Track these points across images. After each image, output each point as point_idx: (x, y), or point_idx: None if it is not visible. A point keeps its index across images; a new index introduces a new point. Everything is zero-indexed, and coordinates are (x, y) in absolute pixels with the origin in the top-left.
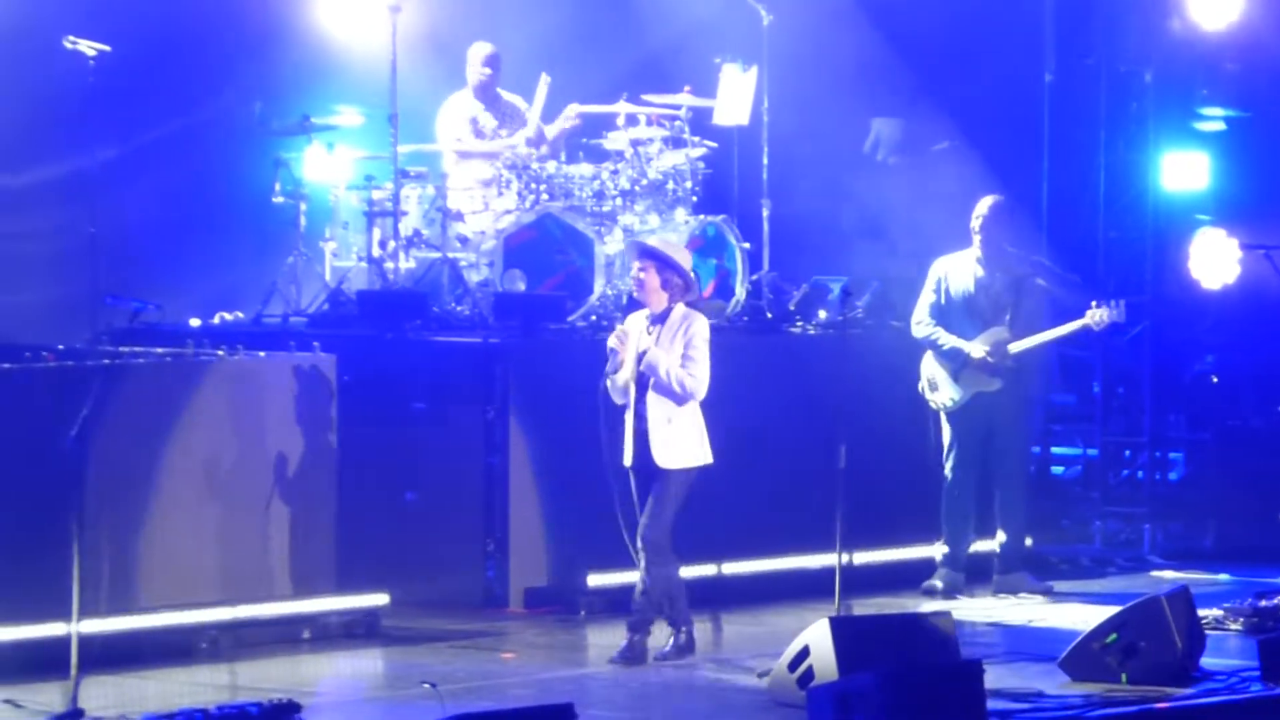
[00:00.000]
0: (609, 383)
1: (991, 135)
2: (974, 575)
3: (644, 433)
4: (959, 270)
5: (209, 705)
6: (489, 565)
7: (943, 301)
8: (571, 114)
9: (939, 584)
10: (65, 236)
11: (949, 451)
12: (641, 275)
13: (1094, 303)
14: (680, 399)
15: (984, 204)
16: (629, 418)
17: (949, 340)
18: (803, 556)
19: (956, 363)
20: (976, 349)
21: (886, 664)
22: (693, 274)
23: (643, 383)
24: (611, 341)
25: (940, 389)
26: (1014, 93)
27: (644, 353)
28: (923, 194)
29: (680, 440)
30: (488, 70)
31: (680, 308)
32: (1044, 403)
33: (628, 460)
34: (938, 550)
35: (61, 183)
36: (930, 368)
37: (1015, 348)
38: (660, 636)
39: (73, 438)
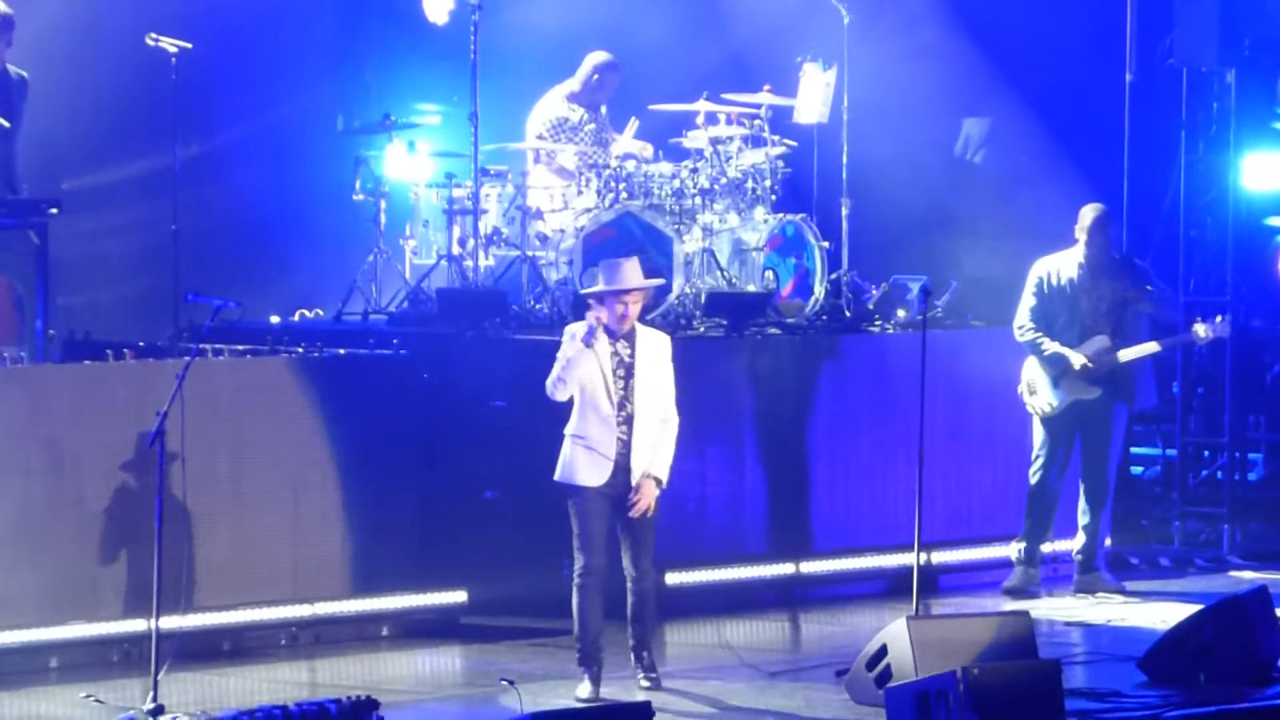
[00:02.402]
0: (559, 379)
1: (1073, 135)
2: (1048, 576)
3: (627, 455)
4: (1062, 273)
5: (288, 702)
6: (567, 563)
7: (1044, 305)
8: (634, 128)
9: (1017, 583)
10: (147, 234)
11: (1039, 454)
12: (634, 306)
13: (1199, 319)
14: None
15: (1090, 211)
16: (605, 437)
17: (1051, 346)
18: (881, 555)
19: (1058, 369)
20: (1078, 358)
21: (965, 664)
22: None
23: (626, 405)
24: (574, 345)
25: (1039, 394)
26: (1096, 93)
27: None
28: (1005, 194)
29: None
30: (603, 79)
31: (640, 327)
32: (1137, 412)
33: (596, 480)
34: (1013, 550)
35: (143, 180)
36: (1031, 372)
37: (1125, 356)
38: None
39: (154, 435)
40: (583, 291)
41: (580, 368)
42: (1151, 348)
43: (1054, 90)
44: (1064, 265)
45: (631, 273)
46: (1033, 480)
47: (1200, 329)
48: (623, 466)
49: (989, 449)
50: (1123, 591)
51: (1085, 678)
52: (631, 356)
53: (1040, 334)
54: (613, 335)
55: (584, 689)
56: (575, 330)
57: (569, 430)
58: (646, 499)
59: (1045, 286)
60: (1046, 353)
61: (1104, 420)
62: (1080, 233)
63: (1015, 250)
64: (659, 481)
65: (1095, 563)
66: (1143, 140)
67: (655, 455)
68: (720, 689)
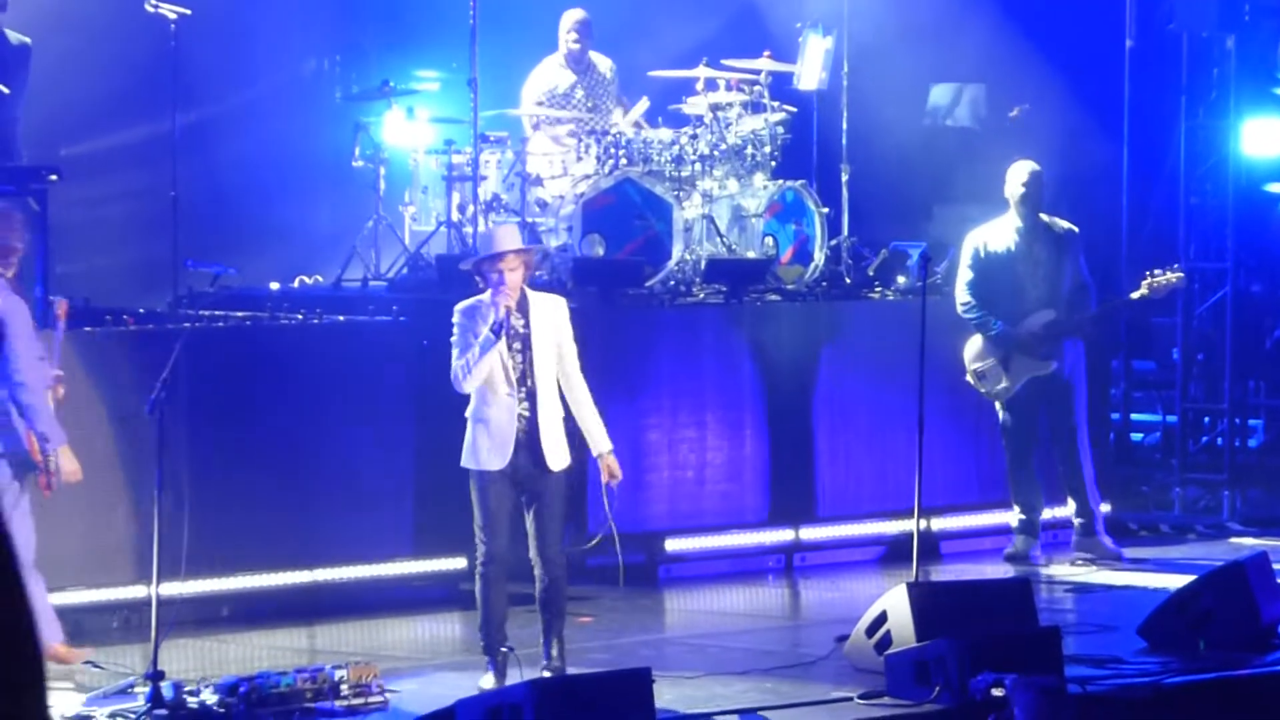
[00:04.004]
0: (467, 364)
1: (1072, 101)
2: (1048, 542)
3: (532, 433)
4: (997, 242)
5: (288, 669)
6: (567, 529)
7: (983, 277)
8: (643, 108)
9: (1018, 550)
10: (146, 200)
11: (1008, 435)
12: (513, 274)
13: (1148, 272)
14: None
15: (1023, 170)
16: (505, 417)
17: (996, 327)
18: (881, 522)
19: (1006, 349)
20: (1031, 333)
21: (964, 630)
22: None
23: (526, 379)
24: (478, 331)
25: (989, 379)
26: (1095, 59)
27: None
28: (1003, 160)
29: (564, 439)
30: (576, 36)
31: (532, 293)
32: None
33: (498, 463)
34: (1013, 517)
35: (142, 146)
36: (977, 358)
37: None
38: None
39: (153, 401)
40: (462, 266)
41: (490, 359)
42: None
43: (1054, 56)
44: (998, 233)
45: (506, 237)
46: (1010, 461)
47: (1155, 279)
48: (525, 446)
49: (989, 415)
50: (1120, 559)
51: (1085, 645)
52: (526, 327)
53: (985, 312)
54: (494, 302)
55: (487, 680)
56: (466, 310)
57: (468, 412)
58: (616, 471)
59: (981, 256)
60: (992, 332)
61: (1065, 390)
62: (1016, 188)
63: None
64: (612, 452)
65: (1095, 528)
66: (1143, 106)
67: (597, 431)
68: (719, 656)
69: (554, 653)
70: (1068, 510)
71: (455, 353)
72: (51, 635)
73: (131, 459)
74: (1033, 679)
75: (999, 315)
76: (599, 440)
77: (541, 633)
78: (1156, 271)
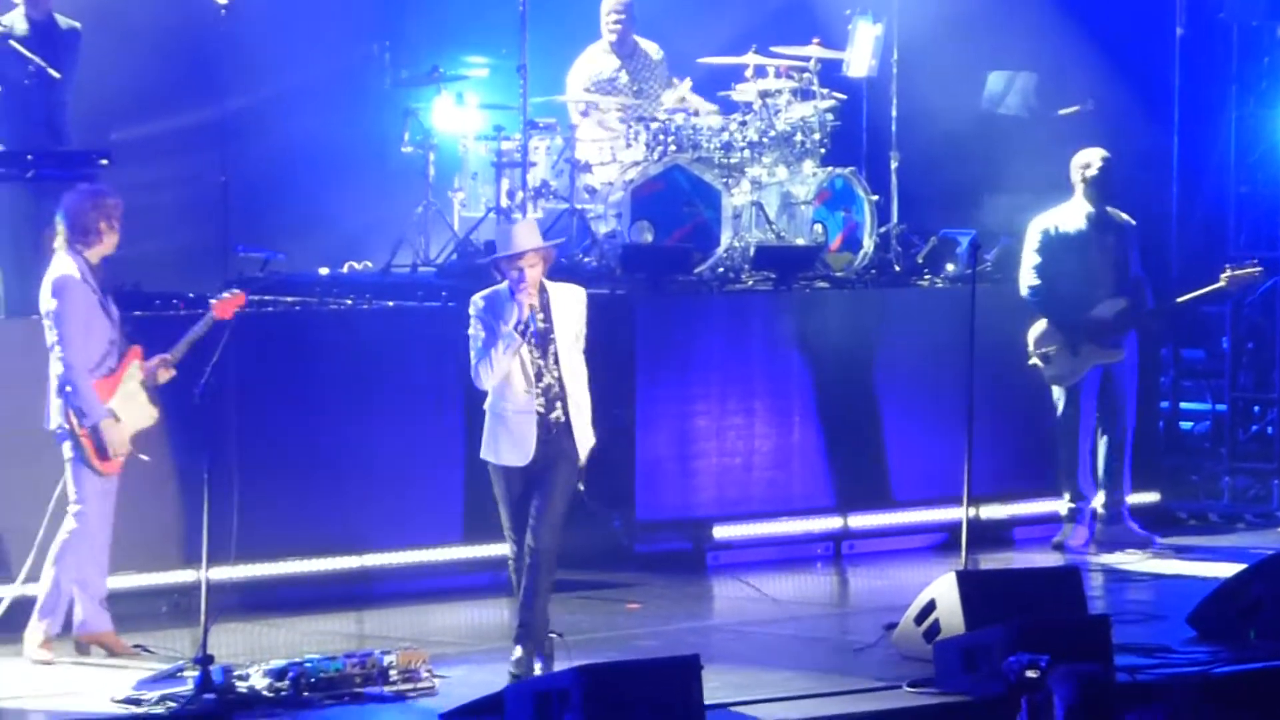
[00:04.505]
0: (490, 362)
1: (1122, 90)
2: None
3: (553, 428)
4: (1066, 226)
5: (337, 654)
6: (616, 516)
7: (1051, 261)
8: (685, 90)
9: (1065, 538)
10: (196, 185)
11: (1066, 420)
12: (532, 270)
13: (1228, 266)
14: None
15: (1094, 155)
16: (524, 413)
17: (1065, 312)
18: (929, 510)
19: (1075, 334)
20: (1102, 320)
21: (1013, 618)
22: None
23: (544, 375)
24: (502, 331)
25: (1056, 362)
26: (1145, 47)
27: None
28: (1052, 149)
29: (588, 429)
30: (617, 19)
31: (551, 284)
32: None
33: (519, 460)
34: (1062, 505)
35: (193, 131)
36: (1043, 341)
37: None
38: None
39: (202, 386)
40: (480, 261)
41: (509, 355)
42: (1186, 299)
43: (1104, 44)
44: (1067, 218)
45: (523, 235)
46: (1064, 448)
47: (1233, 274)
48: (544, 441)
49: (1038, 404)
50: (1151, 544)
51: (1134, 633)
52: (547, 321)
53: (1053, 296)
54: (517, 300)
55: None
56: (483, 302)
57: (486, 404)
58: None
59: (1050, 240)
60: (1063, 318)
61: (1124, 379)
62: (1086, 172)
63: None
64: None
65: (1123, 515)
66: (1193, 95)
67: (588, 426)
68: (767, 643)
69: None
70: (1097, 500)
71: (474, 346)
72: (101, 623)
73: (181, 444)
74: (1074, 667)
75: (1066, 300)
76: (587, 435)
77: (517, 630)
78: (1236, 264)
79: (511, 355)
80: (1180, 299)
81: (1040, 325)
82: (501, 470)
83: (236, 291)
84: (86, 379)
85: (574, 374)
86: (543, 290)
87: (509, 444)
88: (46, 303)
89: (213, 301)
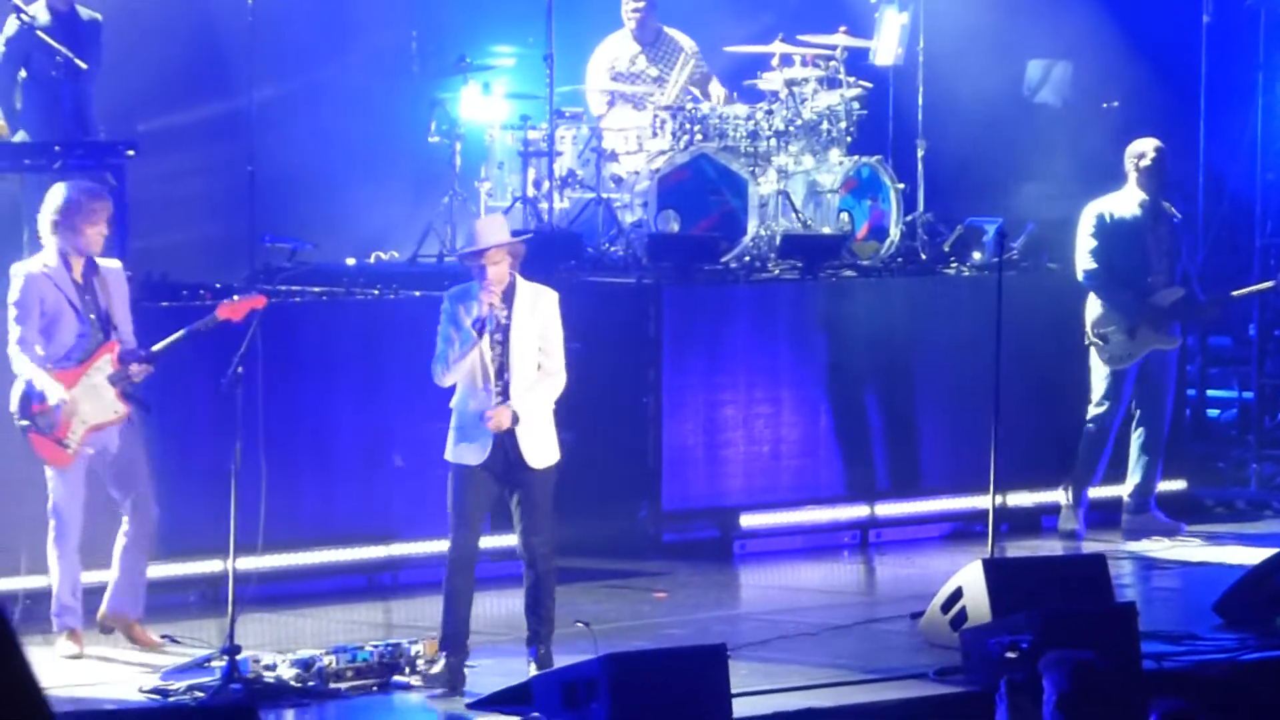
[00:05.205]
0: (445, 359)
1: (1149, 77)
2: (1101, 518)
3: (510, 429)
4: (1122, 212)
5: (364, 644)
6: (642, 505)
7: (1107, 245)
8: (690, 65)
9: (1067, 527)
10: (223, 175)
11: (1103, 401)
12: (495, 268)
13: None
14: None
15: (1149, 145)
16: (479, 410)
17: (1125, 296)
18: (956, 498)
19: (1134, 319)
20: (1159, 308)
21: (1040, 606)
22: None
23: (505, 373)
24: (461, 327)
25: (1113, 344)
26: (1172, 34)
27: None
28: (1081, 136)
29: (549, 433)
30: (637, 7)
31: (522, 281)
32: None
33: (476, 458)
34: (1065, 493)
35: (220, 121)
36: (1101, 323)
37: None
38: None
39: (229, 377)
40: (447, 259)
41: (469, 355)
42: (1266, 285)
43: (1130, 31)
44: (1121, 204)
45: (488, 230)
46: (1093, 426)
47: None
48: (503, 441)
49: (1064, 392)
50: (1179, 532)
51: (1160, 620)
52: (508, 319)
53: (1112, 279)
54: (477, 298)
55: (438, 669)
56: (452, 298)
57: (452, 403)
58: (498, 418)
59: (1106, 225)
60: (1121, 301)
61: (1169, 367)
62: (1141, 161)
63: (1091, 193)
64: (515, 415)
65: (1151, 504)
66: (1220, 82)
67: (528, 393)
68: (794, 631)
69: (541, 652)
70: (1123, 487)
71: (439, 342)
72: (131, 609)
73: (209, 434)
74: (1065, 653)
75: (1122, 283)
76: (521, 398)
77: (528, 640)
78: None
79: (467, 353)
80: (1234, 293)
81: (1097, 307)
82: (457, 469)
83: (256, 295)
84: (30, 363)
85: (528, 375)
86: (512, 289)
87: (465, 441)
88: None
89: (223, 302)
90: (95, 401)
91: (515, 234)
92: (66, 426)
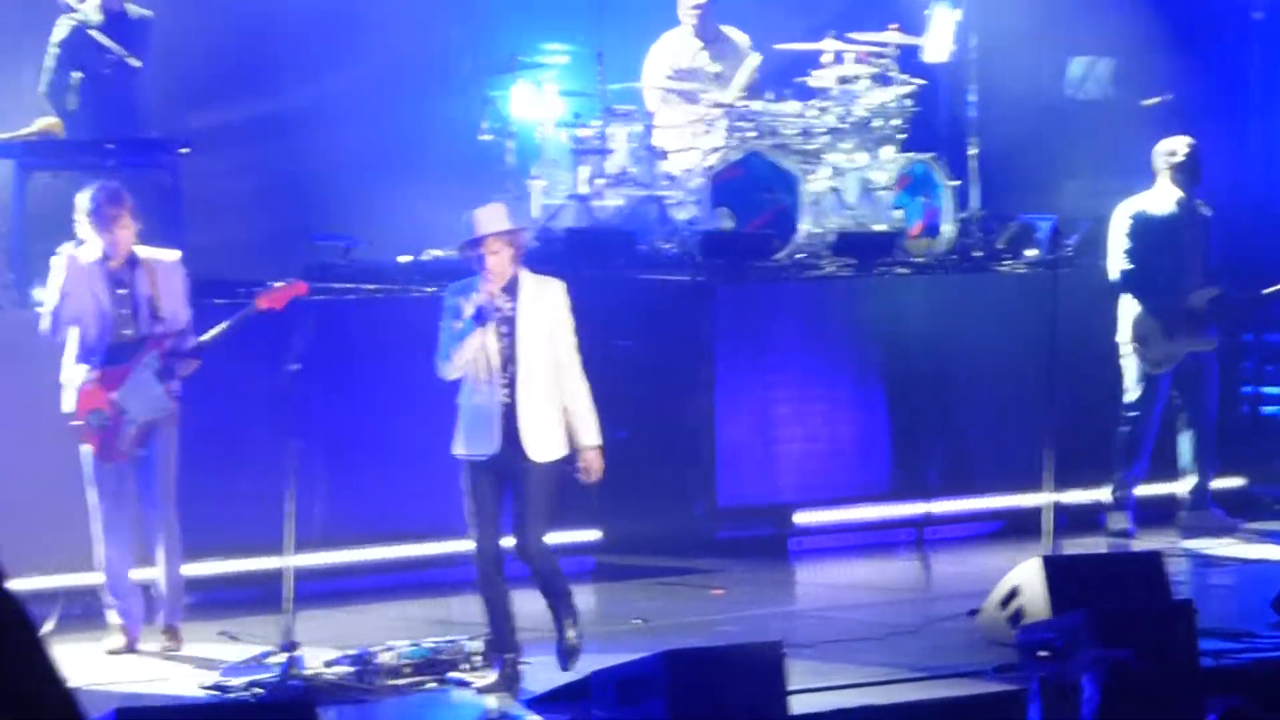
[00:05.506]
0: (446, 351)
1: (1198, 74)
2: (1153, 517)
3: (513, 422)
4: (1156, 210)
5: (422, 640)
6: (697, 503)
7: (1142, 245)
8: (753, 65)
9: (1114, 527)
10: (274, 173)
11: (1139, 403)
12: (494, 257)
13: None
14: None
15: (1181, 143)
16: (489, 404)
17: (1160, 298)
18: (1012, 495)
19: (1172, 319)
20: (1195, 310)
21: (1098, 604)
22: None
23: (510, 365)
24: (464, 318)
25: (1152, 345)
26: (1222, 31)
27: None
28: (1130, 135)
29: (555, 428)
30: (697, 6)
31: (526, 272)
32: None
33: (483, 453)
34: (1110, 492)
35: (270, 119)
36: (1140, 323)
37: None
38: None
39: (285, 375)
40: (447, 250)
41: (471, 346)
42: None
43: (1180, 29)
44: (1154, 203)
45: (486, 219)
46: (1128, 429)
47: None
48: (508, 434)
49: (1115, 389)
50: (1236, 529)
51: (1217, 618)
52: (513, 310)
53: (1148, 280)
54: (477, 289)
55: (488, 680)
56: (455, 291)
57: (459, 398)
58: (595, 469)
59: (1141, 225)
60: (1158, 302)
61: (1212, 367)
62: (1174, 159)
63: (1145, 189)
64: (599, 449)
65: (1207, 501)
66: (1270, 78)
67: (584, 424)
68: (850, 629)
69: (569, 634)
70: (1181, 486)
71: (441, 336)
72: (170, 614)
73: (266, 432)
74: (1103, 653)
75: (1157, 285)
76: (584, 433)
77: (552, 620)
78: None
79: (469, 343)
80: (1266, 291)
81: (1134, 310)
82: (468, 464)
83: (295, 281)
84: (69, 361)
85: (535, 367)
86: (515, 280)
87: (472, 435)
88: None
89: (262, 291)
90: (142, 398)
91: (515, 231)
92: (117, 426)
